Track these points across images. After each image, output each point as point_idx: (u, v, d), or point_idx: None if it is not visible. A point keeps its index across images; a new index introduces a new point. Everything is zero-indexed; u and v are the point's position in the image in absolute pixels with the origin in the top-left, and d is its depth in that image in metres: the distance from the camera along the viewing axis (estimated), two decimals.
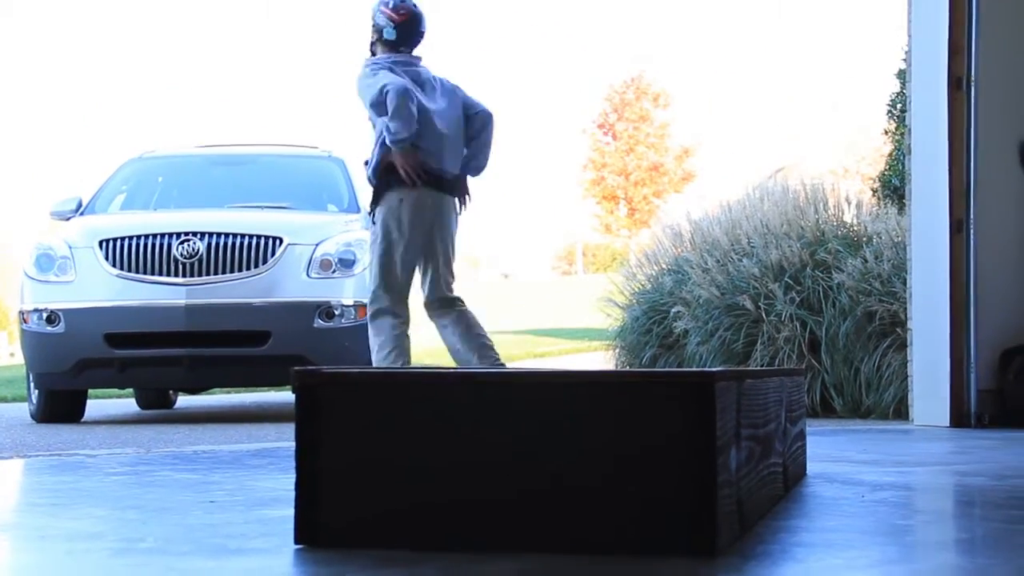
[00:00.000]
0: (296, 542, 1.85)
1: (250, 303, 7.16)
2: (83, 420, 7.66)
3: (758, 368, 3.41)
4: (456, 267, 6.02)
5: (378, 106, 5.57)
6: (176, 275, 7.17)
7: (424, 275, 5.84)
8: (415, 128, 5.55)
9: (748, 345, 7.49)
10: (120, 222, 7.68)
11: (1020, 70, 5.54)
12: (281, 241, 7.32)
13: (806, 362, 7.21)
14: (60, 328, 7.19)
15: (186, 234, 7.25)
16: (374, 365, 5.75)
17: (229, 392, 12.35)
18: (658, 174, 43.44)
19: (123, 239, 7.27)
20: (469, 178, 5.93)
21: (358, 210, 7.82)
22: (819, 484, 2.77)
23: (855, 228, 7.84)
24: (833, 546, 1.88)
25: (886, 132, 10.18)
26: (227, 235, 7.26)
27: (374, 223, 5.74)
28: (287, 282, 7.25)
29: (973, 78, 5.41)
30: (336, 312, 7.19)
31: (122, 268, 7.21)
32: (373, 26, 5.80)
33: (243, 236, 7.28)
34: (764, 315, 7.45)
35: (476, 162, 5.89)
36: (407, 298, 5.84)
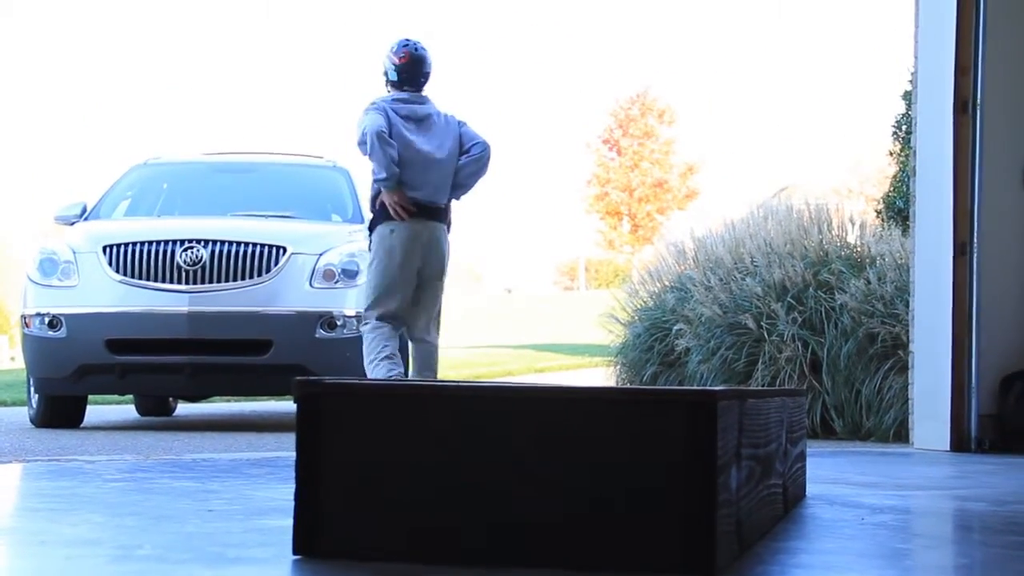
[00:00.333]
0: (294, 552, 1.85)
1: (252, 312, 7.17)
2: (83, 426, 7.64)
3: (760, 388, 3.42)
4: (444, 304, 6.39)
5: (362, 146, 6.07)
6: (179, 282, 7.16)
7: (413, 306, 6.17)
8: (393, 168, 5.98)
9: (750, 364, 7.48)
10: (124, 228, 7.70)
11: None
12: (284, 250, 7.33)
13: (807, 383, 7.20)
14: (62, 333, 7.18)
15: (190, 241, 7.25)
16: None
17: (229, 400, 12.34)
18: (662, 191, 43.43)
19: (127, 245, 7.28)
20: (454, 202, 6.31)
21: (362, 220, 7.81)
22: (819, 506, 2.77)
23: (858, 249, 7.84)
24: (832, 569, 1.88)
25: (891, 153, 10.18)
26: (231, 243, 7.27)
27: (370, 250, 6.16)
28: (290, 291, 7.25)
29: (979, 101, 5.42)
30: (338, 322, 7.20)
31: (125, 274, 7.20)
32: (382, 70, 6.27)
33: (247, 244, 7.29)
34: (766, 335, 7.45)
35: (460, 191, 6.29)
36: (400, 320, 6.19)
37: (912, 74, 6.20)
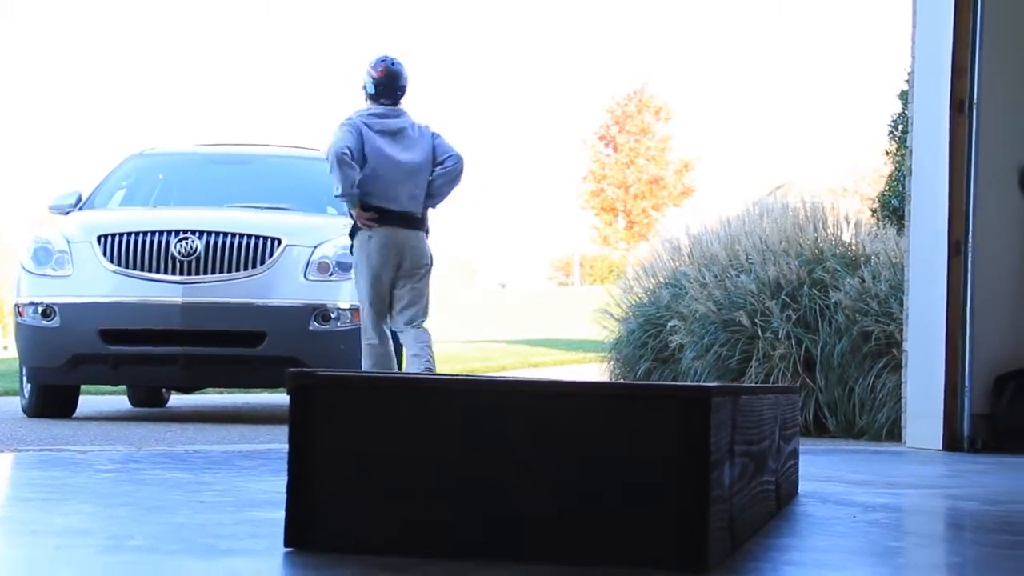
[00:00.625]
0: (286, 545, 1.85)
1: (246, 303, 7.19)
2: (75, 416, 7.65)
3: (753, 385, 3.42)
4: (431, 298, 6.57)
5: (326, 163, 6.40)
6: (173, 273, 7.19)
7: (397, 302, 6.37)
8: (348, 188, 6.24)
9: (743, 362, 7.49)
10: (119, 218, 7.71)
11: (1021, 94, 5.54)
12: (279, 242, 7.35)
13: (801, 380, 7.21)
14: (55, 322, 7.20)
15: (184, 232, 7.26)
16: None
17: (222, 392, 12.33)
18: (658, 187, 43.46)
19: (121, 235, 7.29)
20: (430, 210, 6.57)
21: None
22: (811, 503, 2.77)
23: (853, 248, 7.85)
24: (824, 566, 1.88)
25: (887, 153, 10.19)
26: (225, 234, 7.29)
27: (352, 253, 6.41)
28: (284, 283, 7.28)
29: (975, 101, 5.42)
30: (332, 315, 7.25)
31: (119, 264, 7.22)
32: (361, 85, 6.52)
33: (241, 236, 7.31)
34: (760, 332, 7.45)
35: (433, 200, 6.52)
36: (386, 318, 6.36)
37: (909, 74, 6.21)
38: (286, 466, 1.85)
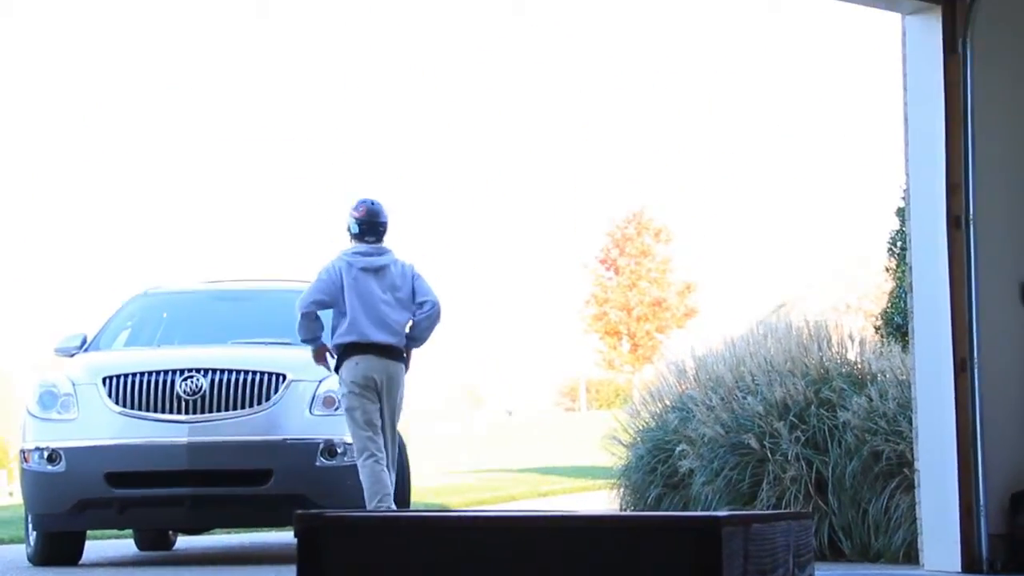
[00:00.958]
0: None
1: (252, 441, 7.20)
2: (81, 563, 7.54)
3: (765, 511, 3.39)
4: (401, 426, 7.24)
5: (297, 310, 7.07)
6: (179, 412, 7.19)
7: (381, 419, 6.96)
8: (310, 339, 7.04)
9: (754, 485, 7.41)
10: (124, 359, 7.75)
11: (1018, 208, 5.59)
12: (284, 378, 7.38)
13: (813, 503, 7.12)
14: (60, 467, 7.16)
15: (189, 371, 7.30)
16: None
17: (230, 532, 12.17)
18: (660, 309, 43.57)
19: (126, 376, 7.31)
20: (414, 350, 7.19)
21: None
22: None
23: (859, 366, 7.83)
24: None
25: (887, 269, 10.23)
26: (230, 371, 7.32)
27: (341, 385, 6.93)
28: (290, 419, 7.30)
29: (972, 216, 5.46)
30: (339, 450, 7.24)
31: (125, 405, 7.22)
32: (346, 226, 7.10)
33: (246, 372, 7.34)
34: (770, 454, 7.40)
35: (415, 342, 7.10)
36: (377, 434, 6.86)
37: (904, 191, 6.27)
38: None
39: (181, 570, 6.53)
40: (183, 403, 7.22)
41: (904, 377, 7.13)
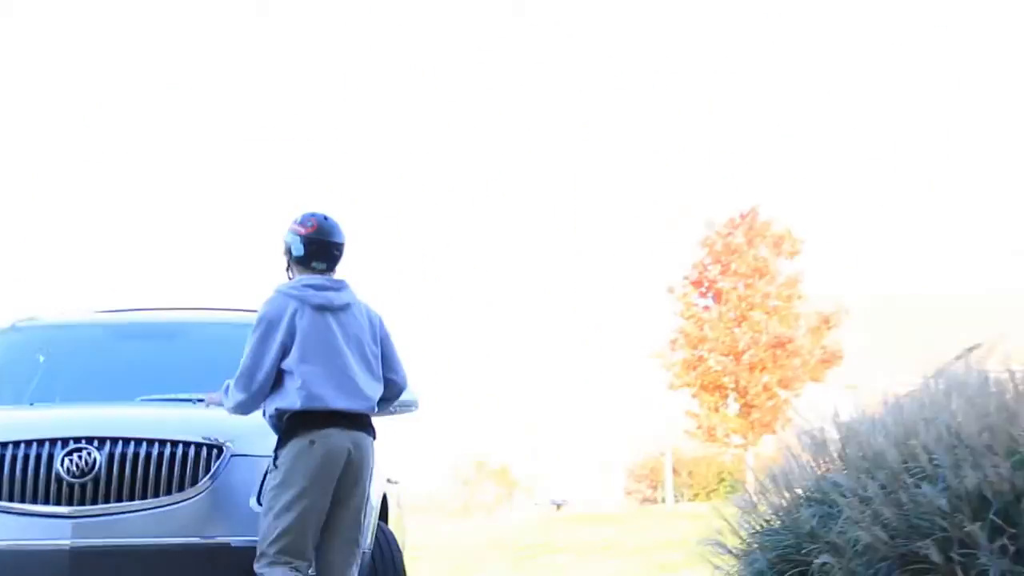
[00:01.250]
0: None
1: (171, 545, 7.17)
2: None
3: None
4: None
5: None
6: (60, 503, 7.15)
7: (328, 532, 7.25)
8: (240, 411, 7.33)
9: None
10: None
11: None
12: (220, 452, 7.38)
13: None
14: None
15: (76, 440, 7.22)
16: None
17: None
18: (785, 354, 43.21)
19: None
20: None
21: None
22: None
23: None
24: None
25: None
26: (138, 442, 7.28)
27: (275, 466, 7.11)
28: (229, 515, 7.31)
29: None
30: None
31: None
32: (284, 248, 7.43)
33: (163, 444, 7.30)
34: (960, 572, 7.22)
35: (380, 414, 7.55)
36: (306, 558, 7.14)
37: None
38: None
39: None
40: (66, 488, 7.14)
41: None
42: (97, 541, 7.10)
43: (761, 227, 43.99)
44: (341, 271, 7.53)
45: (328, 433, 7.09)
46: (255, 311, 8.69)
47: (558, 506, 52.39)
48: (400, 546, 8.13)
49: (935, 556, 7.39)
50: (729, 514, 9.19)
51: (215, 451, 7.36)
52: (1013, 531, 7.34)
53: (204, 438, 7.37)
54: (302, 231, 7.36)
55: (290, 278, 7.46)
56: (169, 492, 7.23)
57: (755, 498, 9.00)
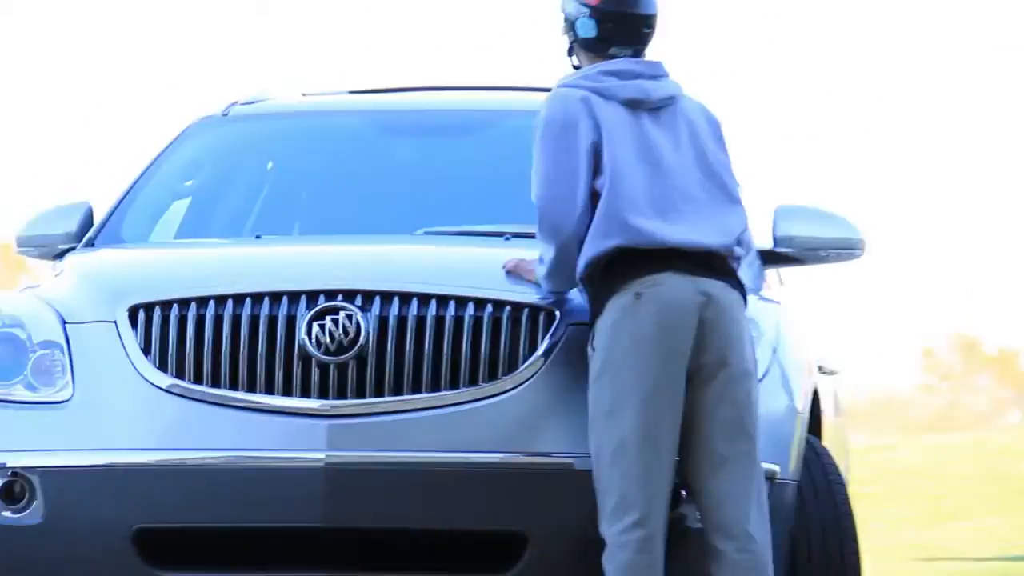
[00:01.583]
0: None
1: (481, 465, 5.82)
2: None
3: None
4: None
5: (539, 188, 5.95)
6: (309, 393, 5.80)
7: (699, 450, 5.75)
8: (566, 270, 5.86)
9: None
10: (176, 267, 6.62)
11: None
12: (553, 317, 5.92)
13: None
14: (33, 515, 5.95)
15: (329, 296, 5.90)
16: None
17: None
18: None
19: (185, 306, 6.00)
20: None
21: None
22: None
23: None
24: None
25: None
26: (427, 300, 5.91)
27: (592, 349, 5.74)
28: (568, 413, 5.86)
29: None
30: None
31: (180, 375, 5.92)
32: (563, 22, 6.07)
33: (464, 304, 5.91)
34: None
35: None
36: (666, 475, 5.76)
37: None
38: None
39: None
40: (317, 372, 5.82)
41: None
42: (366, 454, 5.79)
43: None
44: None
45: (659, 279, 5.58)
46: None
47: None
48: (843, 475, 6.70)
49: None
50: None
51: (545, 315, 5.90)
52: None
53: (534, 297, 5.98)
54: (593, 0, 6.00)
55: (576, 68, 6.07)
56: (477, 382, 5.78)
57: None
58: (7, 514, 5.96)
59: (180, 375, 5.88)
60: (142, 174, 7.48)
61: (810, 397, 6.69)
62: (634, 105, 5.81)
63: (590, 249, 5.76)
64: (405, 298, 5.85)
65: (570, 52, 6.00)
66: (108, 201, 7.49)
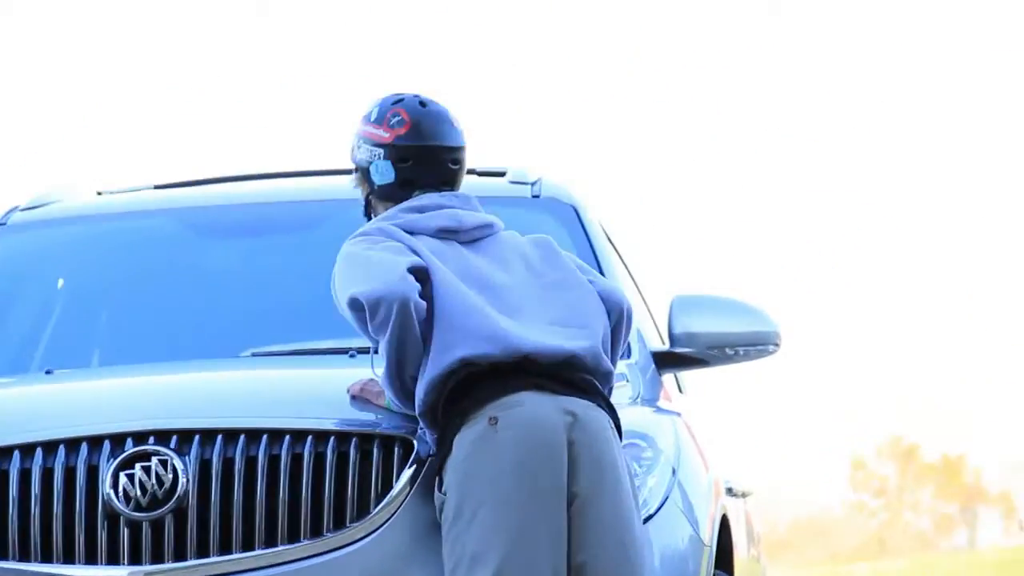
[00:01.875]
0: None
1: None
2: None
3: None
4: None
5: (374, 319, 5.51)
6: (115, 561, 5.27)
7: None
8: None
9: None
10: None
11: None
12: (411, 447, 5.47)
13: None
14: None
15: (138, 438, 5.40)
16: None
17: None
18: None
19: None
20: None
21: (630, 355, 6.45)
22: None
23: None
24: None
25: None
26: (258, 437, 5.40)
27: (441, 491, 5.37)
28: (431, 563, 5.45)
29: None
30: None
31: None
32: (355, 172, 5.81)
33: (303, 438, 5.43)
34: None
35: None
36: None
37: None
38: None
39: None
40: (129, 531, 5.32)
41: None
42: None
43: None
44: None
45: (517, 400, 5.22)
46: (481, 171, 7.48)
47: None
48: None
49: None
50: None
51: (399, 447, 5.43)
52: None
53: (387, 425, 5.58)
54: (386, 137, 5.61)
55: (368, 217, 5.84)
56: (319, 531, 5.31)
57: None
58: None
59: None
60: None
61: (718, 525, 6.28)
62: (448, 234, 5.53)
63: (431, 370, 5.37)
64: (230, 435, 5.35)
65: (367, 210, 5.73)
66: None
